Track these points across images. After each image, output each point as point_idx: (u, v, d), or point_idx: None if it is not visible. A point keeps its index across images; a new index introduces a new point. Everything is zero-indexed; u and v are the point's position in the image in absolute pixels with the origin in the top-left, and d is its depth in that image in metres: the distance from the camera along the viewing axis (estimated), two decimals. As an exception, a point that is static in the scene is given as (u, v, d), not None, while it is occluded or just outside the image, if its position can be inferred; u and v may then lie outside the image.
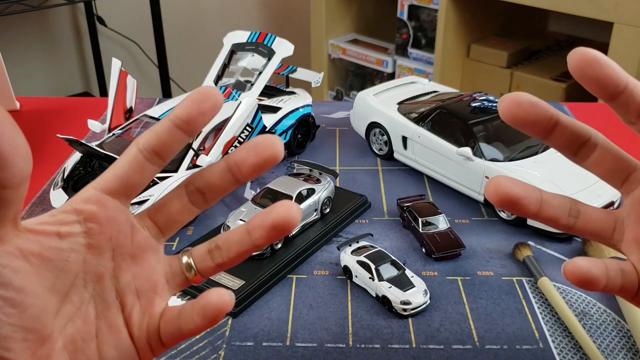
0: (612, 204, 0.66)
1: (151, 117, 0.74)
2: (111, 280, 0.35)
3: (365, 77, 2.37)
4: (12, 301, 0.30)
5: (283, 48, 0.81)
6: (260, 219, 0.35)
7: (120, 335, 0.35)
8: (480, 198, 0.71)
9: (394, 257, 0.60)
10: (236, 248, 0.36)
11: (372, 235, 0.66)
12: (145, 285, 0.35)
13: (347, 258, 0.60)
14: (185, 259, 0.36)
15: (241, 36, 0.83)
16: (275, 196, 0.65)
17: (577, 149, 0.35)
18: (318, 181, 0.69)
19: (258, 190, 0.68)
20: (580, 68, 0.31)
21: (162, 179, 0.66)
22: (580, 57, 0.31)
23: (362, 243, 0.62)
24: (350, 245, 0.62)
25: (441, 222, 0.66)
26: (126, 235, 0.35)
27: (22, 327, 0.30)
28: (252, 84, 0.78)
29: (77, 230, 0.33)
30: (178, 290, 0.37)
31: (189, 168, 0.68)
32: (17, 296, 0.30)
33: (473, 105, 0.76)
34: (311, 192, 0.67)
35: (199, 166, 0.69)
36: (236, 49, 0.83)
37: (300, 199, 0.65)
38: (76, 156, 0.70)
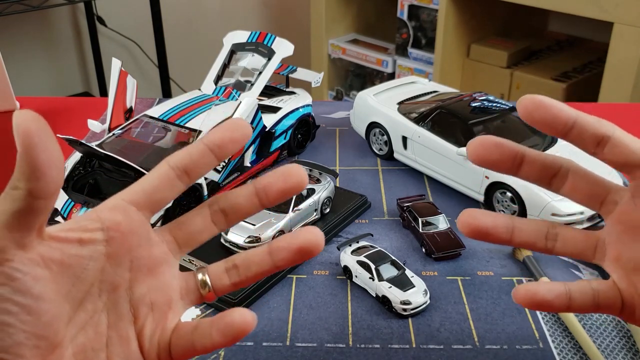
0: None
1: (151, 117, 0.74)
2: (126, 291, 0.35)
3: (365, 77, 2.37)
4: (29, 308, 0.30)
5: (283, 48, 0.81)
6: (286, 242, 0.36)
7: (130, 347, 0.35)
8: (480, 198, 0.71)
9: (394, 257, 0.60)
10: (256, 268, 0.37)
11: (372, 235, 0.66)
12: (160, 299, 0.36)
13: (347, 258, 0.60)
14: (200, 276, 0.37)
15: (241, 36, 0.83)
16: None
17: (550, 179, 0.38)
18: (318, 181, 0.69)
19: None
20: (528, 112, 0.35)
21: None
22: (527, 102, 0.35)
23: (362, 243, 0.62)
24: (350, 245, 0.62)
25: (441, 222, 0.66)
26: (145, 248, 0.35)
27: (35, 334, 0.30)
28: (252, 84, 0.78)
29: (99, 237, 0.33)
30: (191, 305, 0.38)
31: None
32: (35, 304, 0.30)
33: (473, 105, 0.76)
34: (311, 192, 0.67)
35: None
36: (236, 49, 0.83)
37: (300, 199, 0.65)
38: (76, 156, 0.70)
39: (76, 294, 0.33)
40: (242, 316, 0.34)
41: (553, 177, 0.38)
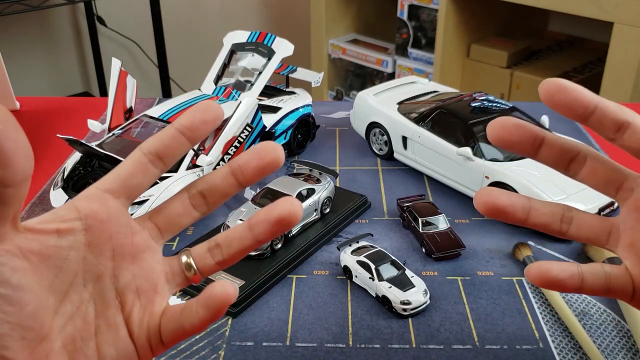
0: (612, 203, 0.66)
1: (151, 117, 0.74)
2: (111, 280, 0.35)
3: (365, 77, 2.37)
4: (10, 299, 0.30)
5: (283, 48, 0.81)
6: (264, 214, 0.36)
7: (120, 334, 0.35)
8: (480, 198, 0.71)
9: (394, 257, 0.60)
10: (237, 244, 0.37)
11: (372, 235, 0.66)
12: (145, 284, 0.36)
13: (347, 258, 0.60)
14: (184, 258, 0.37)
15: (241, 36, 0.83)
16: (275, 196, 0.65)
17: (567, 164, 0.38)
18: (318, 181, 0.69)
19: (258, 190, 0.68)
20: (549, 94, 0.35)
21: (162, 179, 0.66)
22: (549, 85, 0.35)
23: (362, 243, 0.62)
24: (350, 245, 0.62)
25: (441, 222, 0.66)
26: (126, 235, 0.35)
27: (20, 325, 0.30)
28: (252, 84, 0.78)
29: (77, 227, 0.33)
30: (178, 289, 0.38)
31: (188, 168, 0.68)
32: (15, 294, 0.30)
33: (473, 105, 0.76)
34: (311, 192, 0.67)
35: (198, 166, 0.69)
36: (236, 49, 0.83)
37: (300, 199, 0.65)
38: (76, 156, 0.70)
39: (60, 285, 0.33)
40: (222, 287, 0.35)
41: (571, 161, 0.37)
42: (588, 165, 0.37)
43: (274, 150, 0.36)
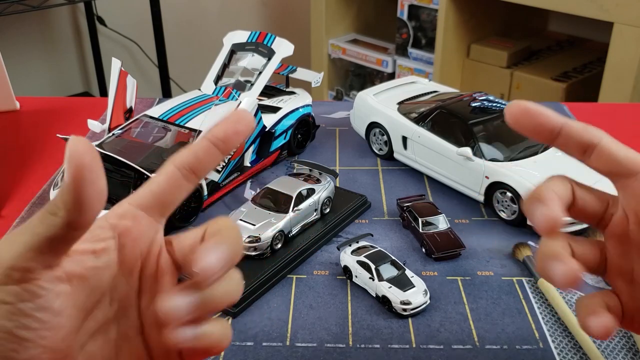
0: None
1: (151, 117, 0.74)
2: (135, 299, 0.34)
3: (365, 77, 2.37)
4: (50, 324, 0.29)
5: (283, 48, 0.81)
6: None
7: (140, 356, 0.34)
8: (480, 198, 0.71)
9: (394, 257, 0.60)
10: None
11: (372, 235, 0.66)
12: None
13: (347, 258, 0.60)
14: None
15: (241, 36, 0.83)
16: (276, 196, 0.65)
17: (582, 154, 0.36)
18: (318, 181, 0.69)
19: (258, 191, 0.68)
20: (514, 118, 0.35)
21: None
22: (514, 109, 0.35)
23: (362, 243, 0.62)
24: (350, 245, 0.62)
25: (441, 222, 0.66)
26: (155, 255, 0.35)
27: (51, 348, 0.30)
28: (252, 84, 0.78)
29: (111, 246, 0.33)
30: None
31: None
32: (54, 319, 0.30)
33: (473, 105, 0.76)
34: (311, 192, 0.67)
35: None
36: (236, 49, 0.83)
37: (300, 199, 0.65)
38: (76, 156, 0.70)
39: (89, 304, 0.32)
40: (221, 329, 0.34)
41: (584, 152, 0.36)
42: (596, 153, 0.36)
43: (245, 116, 0.36)
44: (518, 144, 0.71)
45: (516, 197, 0.67)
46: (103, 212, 0.31)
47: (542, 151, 0.71)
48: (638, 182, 0.35)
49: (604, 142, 0.35)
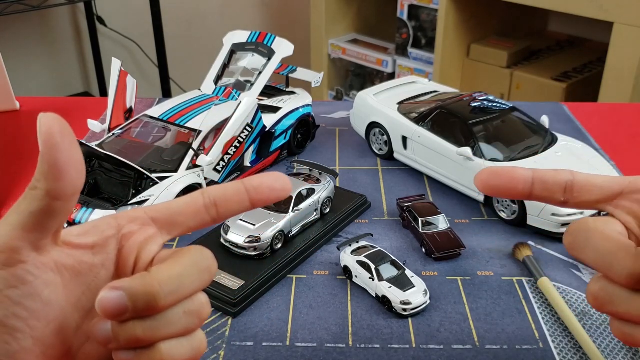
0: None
1: (151, 117, 0.74)
2: None
3: (365, 77, 2.37)
4: (38, 314, 0.29)
5: (283, 48, 0.81)
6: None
7: None
8: (481, 198, 0.71)
9: (394, 257, 0.60)
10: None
11: (372, 235, 0.66)
12: None
13: (347, 258, 0.60)
14: None
15: (241, 36, 0.83)
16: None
17: (562, 194, 0.37)
18: (318, 181, 0.69)
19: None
20: (485, 183, 0.36)
21: (162, 179, 0.66)
22: (482, 175, 0.36)
23: (362, 243, 0.62)
24: (350, 245, 0.62)
25: (441, 222, 0.66)
26: (147, 264, 0.34)
27: (42, 341, 0.30)
28: (252, 84, 0.78)
29: (112, 245, 0.33)
30: None
31: (188, 168, 0.68)
32: (44, 309, 0.30)
33: (473, 105, 0.76)
34: (311, 192, 0.67)
35: (198, 166, 0.69)
36: (236, 49, 0.83)
37: (300, 199, 0.65)
38: (76, 156, 0.70)
39: (85, 303, 0.32)
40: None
41: (564, 192, 0.37)
42: (576, 188, 0.36)
43: (285, 180, 0.36)
44: (518, 144, 0.72)
45: (516, 197, 0.66)
46: (111, 212, 0.31)
47: (542, 151, 0.71)
48: (624, 199, 0.36)
49: (578, 177, 0.36)
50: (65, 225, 0.50)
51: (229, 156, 0.73)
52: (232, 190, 0.35)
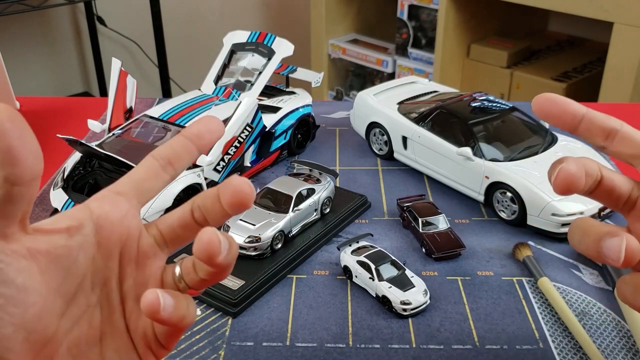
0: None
1: (151, 117, 0.74)
2: (116, 284, 0.35)
3: (365, 77, 2.37)
4: (14, 300, 0.30)
5: (283, 48, 0.81)
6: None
7: (123, 341, 0.35)
8: (480, 198, 0.71)
9: (394, 257, 0.60)
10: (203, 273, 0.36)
11: (372, 235, 0.66)
12: (144, 291, 0.35)
13: (347, 258, 0.60)
14: (177, 269, 0.36)
15: (241, 36, 0.83)
16: (275, 196, 0.65)
17: (604, 139, 0.38)
18: (318, 181, 0.69)
19: (258, 190, 0.68)
20: (540, 106, 0.37)
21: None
22: (540, 99, 0.37)
23: (362, 243, 0.62)
24: (350, 245, 0.62)
25: (441, 222, 0.66)
26: (134, 239, 0.35)
27: (23, 327, 0.30)
28: (252, 84, 0.78)
29: (88, 226, 0.33)
30: None
31: (188, 168, 0.68)
32: (19, 295, 0.30)
33: (473, 105, 0.76)
34: (311, 192, 0.67)
35: (198, 166, 0.69)
36: (236, 49, 0.83)
37: (300, 199, 0.65)
38: (76, 156, 0.70)
39: (68, 288, 0.32)
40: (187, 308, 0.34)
41: (606, 137, 0.37)
42: (618, 138, 0.37)
43: (214, 119, 0.38)
44: (518, 144, 0.72)
45: (516, 197, 0.66)
46: None
47: (542, 151, 0.71)
48: None
49: (625, 128, 0.37)
50: None
51: (229, 156, 0.73)
52: (178, 145, 0.37)
